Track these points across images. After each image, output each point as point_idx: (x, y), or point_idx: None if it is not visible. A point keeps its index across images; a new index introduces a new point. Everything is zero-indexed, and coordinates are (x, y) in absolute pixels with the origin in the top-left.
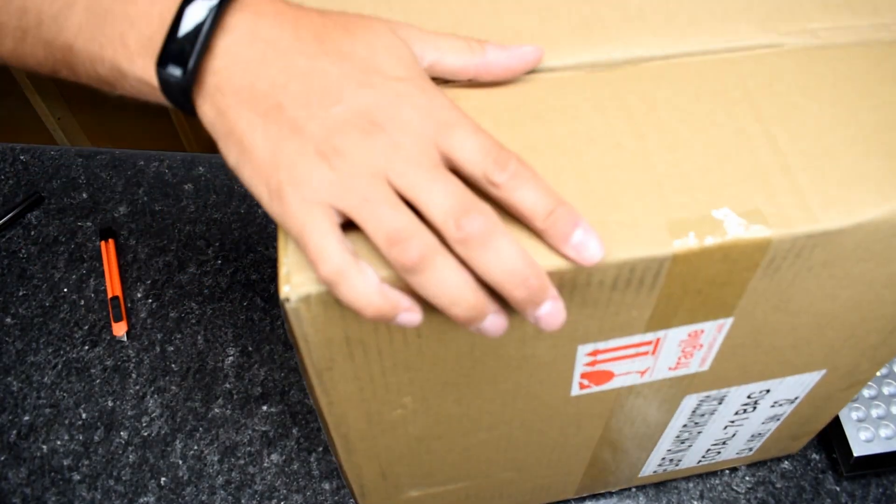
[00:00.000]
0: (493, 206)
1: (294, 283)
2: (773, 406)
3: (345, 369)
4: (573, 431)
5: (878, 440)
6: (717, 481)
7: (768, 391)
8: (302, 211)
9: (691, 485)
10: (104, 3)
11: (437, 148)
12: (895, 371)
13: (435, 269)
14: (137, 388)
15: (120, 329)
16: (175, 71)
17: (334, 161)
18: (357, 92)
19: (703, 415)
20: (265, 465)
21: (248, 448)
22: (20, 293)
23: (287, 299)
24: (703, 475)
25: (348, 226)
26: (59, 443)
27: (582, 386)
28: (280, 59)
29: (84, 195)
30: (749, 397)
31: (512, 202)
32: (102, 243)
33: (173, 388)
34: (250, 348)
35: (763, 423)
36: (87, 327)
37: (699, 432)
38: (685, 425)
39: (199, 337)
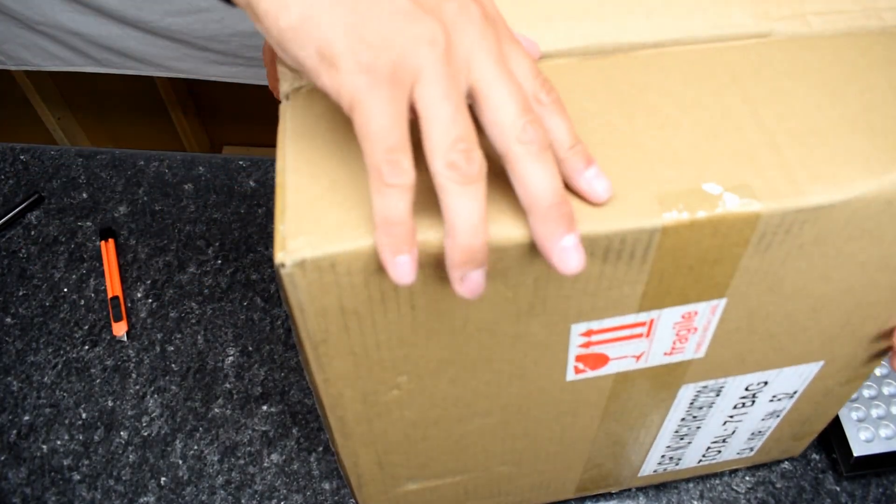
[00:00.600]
0: None
1: (289, 249)
2: (771, 400)
3: (340, 342)
4: (570, 421)
5: (878, 440)
6: (717, 481)
7: (766, 383)
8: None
9: (691, 485)
10: None
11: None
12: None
13: (478, 190)
14: (137, 388)
15: (120, 329)
16: None
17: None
18: None
19: (701, 408)
20: (265, 465)
21: (248, 448)
22: (20, 293)
23: (282, 265)
24: (703, 475)
25: None
26: (59, 443)
27: (577, 370)
28: None
29: (84, 195)
30: (747, 389)
31: (546, 125)
32: (102, 243)
33: (173, 388)
34: (250, 348)
35: (763, 419)
36: (87, 327)
37: (698, 427)
38: (683, 419)
39: (199, 337)
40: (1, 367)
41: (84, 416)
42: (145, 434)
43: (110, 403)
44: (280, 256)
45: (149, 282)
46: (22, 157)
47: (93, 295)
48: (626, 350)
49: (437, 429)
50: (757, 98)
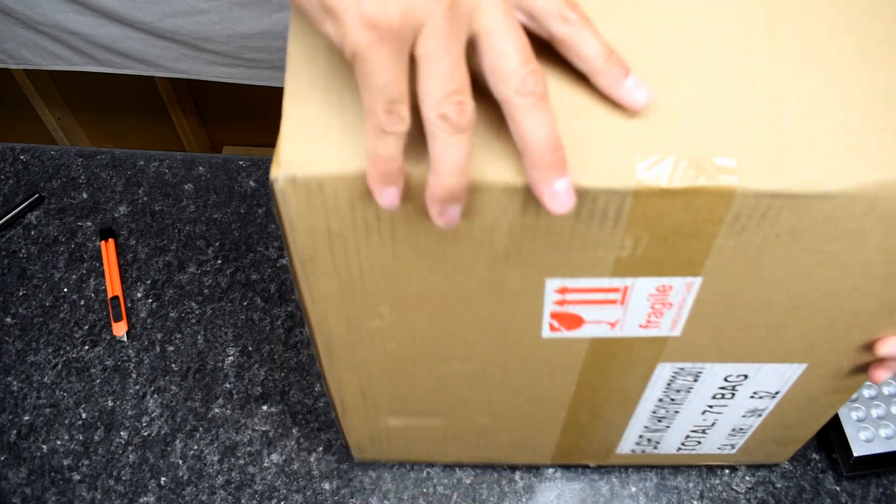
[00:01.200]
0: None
1: (282, 166)
2: (752, 397)
3: (326, 263)
4: (546, 382)
5: (878, 440)
6: (717, 481)
7: (746, 377)
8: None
9: (691, 485)
10: None
11: None
12: None
13: (466, 139)
14: (137, 388)
15: (120, 329)
16: None
17: None
18: None
19: (678, 391)
20: (265, 465)
21: (248, 448)
22: (20, 293)
23: (275, 180)
24: (704, 475)
25: None
26: (59, 443)
27: (552, 328)
28: None
29: (84, 195)
30: (726, 381)
31: (576, 42)
32: (102, 243)
33: (173, 388)
34: (250, 348)
35: (744, 416)
36: (87, 327)
37: (676, 412)
38: (661, 399)
39: (199, 337)
40: (1, 367)
41: (84, 416)
42: (145, 434)
43: (110, 403)
44: (274, 172)
45: (149, 282)
46: (22, 157)
47: (93, 295)
48: (600, 315)
49: (417, 366)
50: (784, 53)
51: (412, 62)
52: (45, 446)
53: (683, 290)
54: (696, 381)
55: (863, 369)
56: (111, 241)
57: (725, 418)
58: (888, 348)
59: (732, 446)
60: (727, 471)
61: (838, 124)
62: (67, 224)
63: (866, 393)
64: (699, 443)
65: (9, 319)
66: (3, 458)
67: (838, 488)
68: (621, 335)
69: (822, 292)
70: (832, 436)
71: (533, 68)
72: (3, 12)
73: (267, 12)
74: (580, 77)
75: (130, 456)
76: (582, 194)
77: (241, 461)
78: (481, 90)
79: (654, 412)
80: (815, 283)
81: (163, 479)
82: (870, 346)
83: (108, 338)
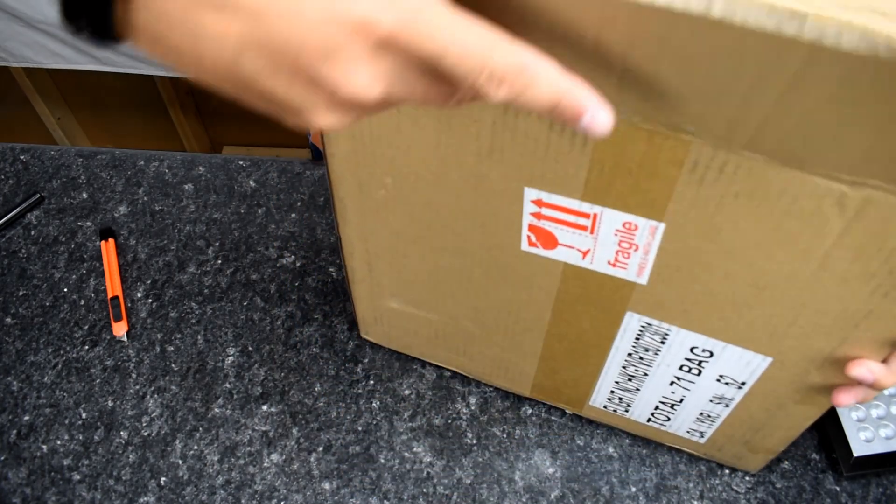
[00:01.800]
0: None
1: None
2: (719, 380)
3: None
4: (524, 299)
5: (878, 440)
6: (717, 481)
7: (712, 354)
8: None
9: (691, 485)
10: None
11: None
12: None
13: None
14: (137, 388)
15: (120, 329)
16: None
17: None
18: None
19: (647, 349)
20: (265, 465)
21: (248, 448)
22: (20, 293)
23: None
24: (704, 475)
25: None
26: (59, 443)
27: (530, 242)
28: None
29: (84, 195)
30: (693, 352)
31: (521, 104)
32: (102, 243)
33: (173, 388)
34: (250, 348)
35: (711, 400)
36: (87, 327)
37: (645, 374)
38: (630, 355)
39: (199, 337)
40: (1, 367)
41: (84, 416)
42: (145, 434)
43: (110, 403)
44: None
45: (149, 282)
46: (22, 157)
47: (93, 295)
48: (572, 240)
49: (414, 249)
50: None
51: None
52: (45, 446)
53: (648, 234)
54: (663, 343)
55: (829, 381)
56: (111, 241)
57: (693, 397)
58: (860, 371)
59: (701, 434)
60: (727, 471)
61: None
62: (67, 224)
63: None
64: (668, 419)
65: (9, 319)
66: (3, 458)
67: (838, 488)
68: (591, 268)
69: (784, 276)
70: (832, 436)
71: (494, 60)
72: (4, 11)
73: None
74: None
75: (130, 456)
76: None
77: (241, 461)
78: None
79: (624, 367)
80: (776, 264)
81: (163, 479)
82: (840, 363)
83: (108, 338)
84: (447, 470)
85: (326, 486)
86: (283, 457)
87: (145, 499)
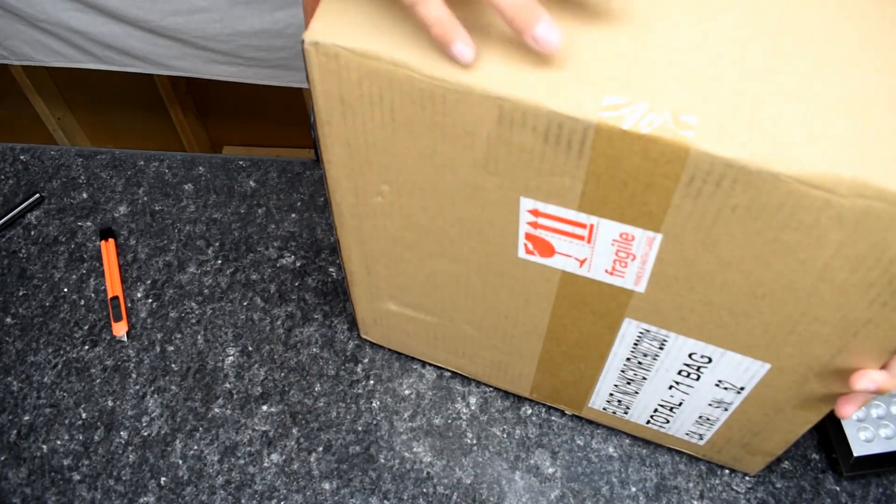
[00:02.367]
0: None
1: (311, 31)
2: (717, 385)
3: (339, 129)
4: (523, 305)
5: (878, 440)
6: (717, 481)
7: (710, 360)
8: None
9: (691, 485)
10: None
11: None
12: None
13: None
14: (137, 388)
15: (120, 329)
16: None
17: None
18: None
19: (645, 355)
20: (265, 465)
21: (248, 448)
22: (20, 293)
23: (303, 41)
24: (704, 475)
25: None
26: (59, 443)
27: (527, 250)
28: None
29: (84, 195)
30: (691, 358)
31: None
32: (102, 243)
33: (173, 388)
34: (250, 348)
35: (710, 404)
36: (87, 327)
37: (644, 378)
38: (629, 359)
39: (199, 337)
40: (1, 367)
41: (84, 416)
42: (145, 434)
43: (110, 403)
44: (304, 35)
45: (149, 282)
46: (22, 157)
47: (93, 295)
48: (569, 249)
49: (412, 253)
50: (785, 36)
51: None
52: (45, 446)
53: (645, 245)
54: (661, 348)
55: (831, 398)
56: (111, 241)
57: (692, 401)
58: (863, 383)
59: (700, 437)
60: (727, 471)
61: (813, 114)
62: (67, 224)
63: None
64: (667, 421)
65: (9, 319)
66: (3, 458)
67: (838, 488)
68: (589, 276)
69: (782, 286)
70: (832, 436)
71: None
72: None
73: (268, 11)
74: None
75: (130, 456)
76: (549, 116)
77: (241, 461)
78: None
79: (622, 371)
80: (774, 274)
81: (163, 479)
82: (839, 371)
83: (108, 338)
84: (447, 470)
85: (326, 486)
86: (283, 457)
87: (145, 499)
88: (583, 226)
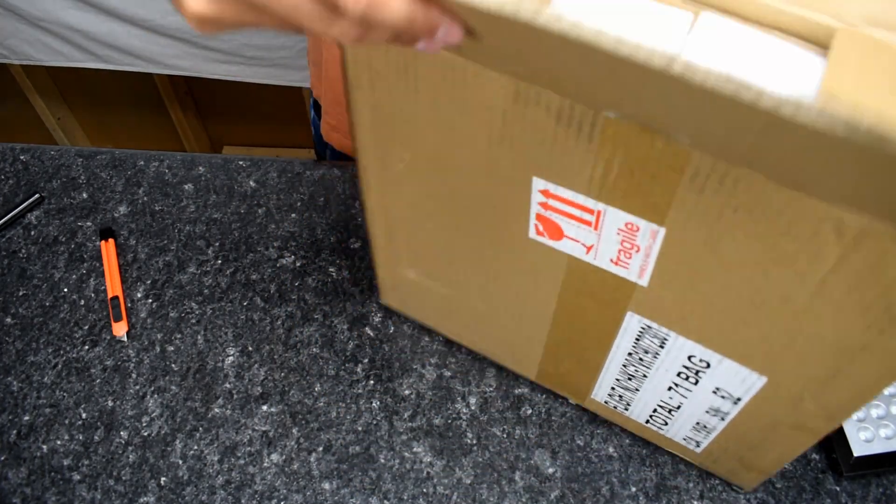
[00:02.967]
0: None
1: None
2: (715, 392)
3: (368, 95)
4: (531, 286)
5: (878, 440)
6: (717, 481)
7: (709, 365)
8: None
9: (691, 485)
10: None
11: None
12: None
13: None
14: (137, 388)
15: (120, 329)
16: None
17: None
18: None
19: (647, 352)
20: (265, 465)
21: (248, 448)
22: (20, 293)
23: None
24: (704, 475)
25: None
26: (59, 443)
27: (538, 230)
28: None
29: (84, 195)
30: (690, 361)
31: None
32: (102, 243)
33: (173, 388)
34: (250, 348)
35: (707, 411)
36: (87, 327)
37: (644, 376)
38: (630, 354)
39: (199, 337)
40: (1, 367)
41: (84, 416)
42: (145, 434)
43: (110, 403)
44: None
45: (149, 282)
46: (22, 157)
47: (93, 295)
48: (577, 234)
49: (430, 222)
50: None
51: None
52: (45, 446)
53: (649, 237)
54: (661, 347)
55: (825, 410)
56: (111, 241)
57: (690, 405)
58: None
59: (697, 444)
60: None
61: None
62: (67, 224)
63: None
64: (666, 423)
65: (9, 319)
66: (3, 458)
67: (838, 488)
68: (595, 263)
69: (779, 296)
70: (832, 436)
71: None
72: (5, 9)
73: None
74: None
75: (130, 456)
76: (561, 100)
77: (241, 461)
78: None
79: (624, 366)
80: (772, 283)
81: (163, 479)
82: (839, 401)
83: (108, 338)
84: (447, 470)
85: (326, 486)
86: (283, 457)
87: (145, 499)
88: (591, 211)
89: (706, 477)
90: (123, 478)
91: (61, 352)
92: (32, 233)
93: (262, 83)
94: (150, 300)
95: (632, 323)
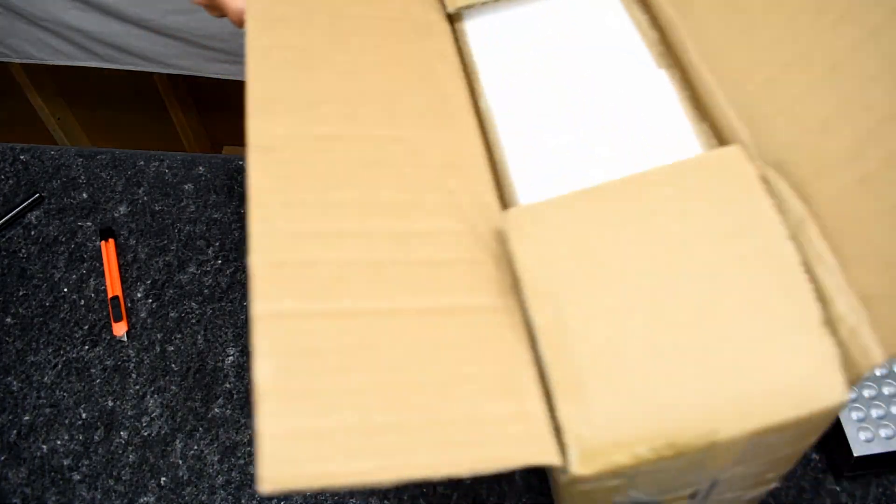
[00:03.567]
0: None
1: None
2: None
3: None
4: None
5: (878, 440)
6: None
7: None
8: None
9: None
10: None
11: None
12: (895, 371)
13: None
14: (137, 388)
15: (120, 329)
16: None
17: None
18: None
19: None
20: None
21: (248, 448)
22: (20, 293)
23: None
24: None
25: None
26: (59, 443)
27: None
28: None
29: (84, 195)
30: None
31: None
32: (102, 243)
33: (173, 388)
34: (250, 348)
35: None
36: (87, 327)
37: None
38: None
39: (199, 337)
40: (1, 367)
41: (84, 416)
42: (145, 434)
43: (110, 403)
44: None
45: (149, 282)
46: (22, 157)
47: (93, 295)
48: None
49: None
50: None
51: None
52: (45, 446)
53: None
54: None
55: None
56: (111, 241)
57: None
58: None
59: None
60: None
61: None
62: (67, 224)
63: (866, 393)
64: None
65: (9, 319)
66: (3, 458)
67: (838, 488)
68: None
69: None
70: (832, 436)
71: None
72: (6, 8)
73: None
74: None
75: (130, 456)
76: None
77: (241, 461)
78: None
79: None
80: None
81: (163, 479)
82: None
83: (108, 338)
84: None
85: None
86: None
87: (145, 499)
88: None
89: None
90: (123, 478)
91: (61, 352)
92: (32, 233)
93: None
94: (150, 300)
95: None
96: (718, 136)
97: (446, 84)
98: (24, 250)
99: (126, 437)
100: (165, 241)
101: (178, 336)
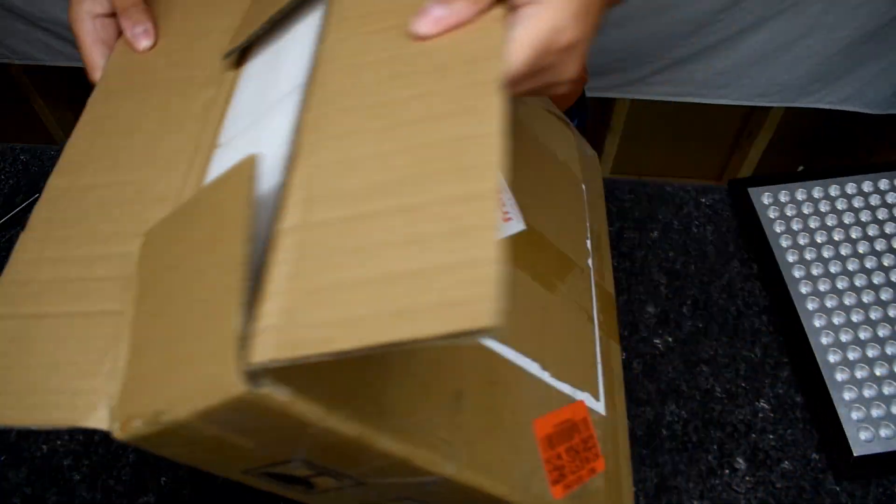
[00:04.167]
0: None
1: None
2: None
3: None
4: None
5: (878, 440)
6: (718, 481)
7: None
8: None
9: (691, 485)
10: None
11: None
12: (895, 371)
13: None
14: None
15: None
16: None
17: None
18: None
19: None
20: None
21: None
22: None
23: None
24: (704, 475)
25: None
26: (59, 443)
27: None
28: None
29: None
30: None
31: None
32: None
33: None
34: None
35: None
36: None
37: None
38: None
39: None
40: None
41: None
42: None
43: None
44: None
45: None
46: (22, 157)
47: None
48: None
49: None
50: None
51: None
52: (45, 446)
53: None
54: None
55: None
56: None
57: None
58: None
59: None
60: (727, 471)
61: None
62: None
63: (866, 393)
64: None
65: None
66: (3, 458)
67: (838, 488)
68: None
69: None
70: (832, 436)
71: None
72: (5, 9)
73: None
74: None
75: (130, 456)
76: None
77: None
78: None
79: None
80: None
81: (163, 479)
82: None
83: None
84: None
85: None
86: None
87: (145, 499)
88: None
89: (706, 477)
90: (123, 478)
91: None
92: None
93: None
94: None
95: None
96: None
97: (199, 130)
98: None
99: None
100: None
101: None
